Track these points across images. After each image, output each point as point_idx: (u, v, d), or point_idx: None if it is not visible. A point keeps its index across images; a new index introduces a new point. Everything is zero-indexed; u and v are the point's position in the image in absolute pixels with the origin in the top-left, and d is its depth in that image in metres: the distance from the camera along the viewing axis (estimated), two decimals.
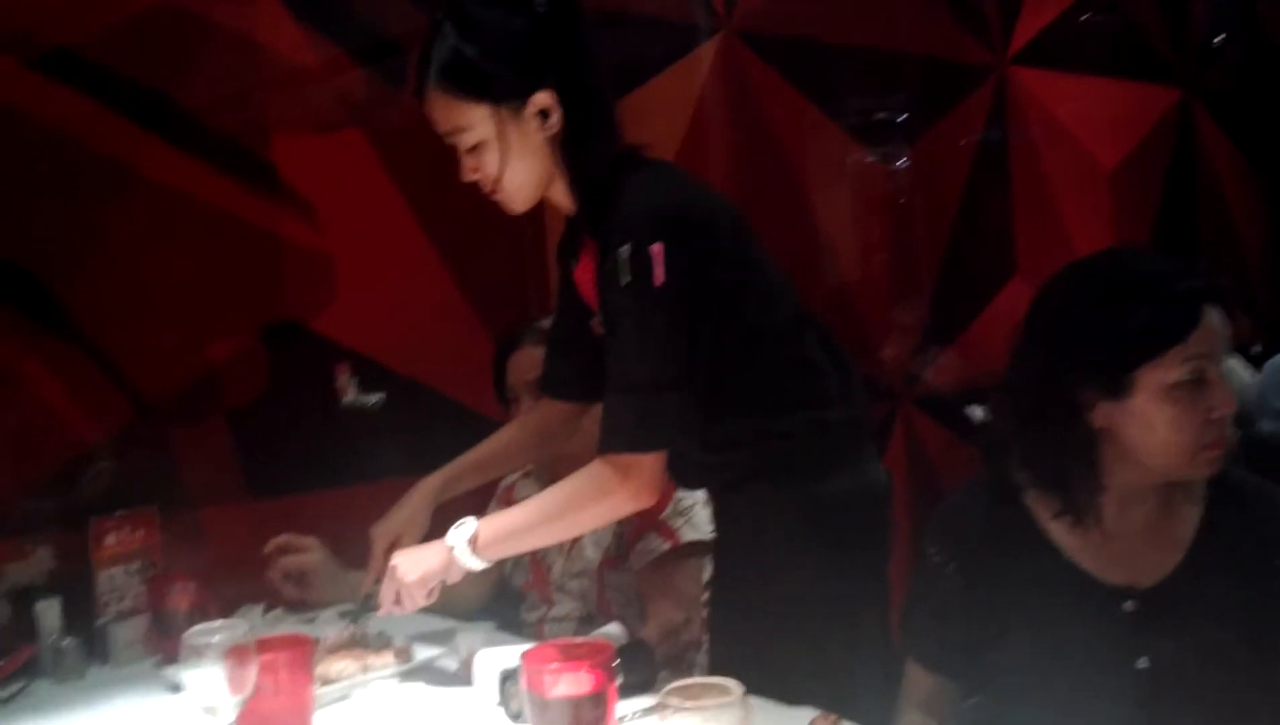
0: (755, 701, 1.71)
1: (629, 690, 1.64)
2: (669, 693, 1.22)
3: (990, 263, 4.20)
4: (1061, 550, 1.70)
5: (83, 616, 2.21)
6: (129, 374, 2.56)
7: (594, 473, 1.83)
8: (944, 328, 4.10)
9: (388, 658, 1.99)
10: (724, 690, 1.26)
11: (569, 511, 1.86)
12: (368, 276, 2.87)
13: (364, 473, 2.70)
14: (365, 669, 1.95)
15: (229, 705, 1.51)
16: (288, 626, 2.36)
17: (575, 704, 1.49)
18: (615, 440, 1.82)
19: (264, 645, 1.66)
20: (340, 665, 1.93)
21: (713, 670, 2.03)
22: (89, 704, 1.99)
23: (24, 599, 2.22)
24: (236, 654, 1.51)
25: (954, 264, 4.12)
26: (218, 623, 1.57)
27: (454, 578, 1.91)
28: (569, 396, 2.17)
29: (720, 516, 2.07)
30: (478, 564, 1.88)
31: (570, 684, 1.50)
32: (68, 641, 2.15)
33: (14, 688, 2.06)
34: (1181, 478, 1.66)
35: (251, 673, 1.52)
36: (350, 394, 2.98)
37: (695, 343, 1.81)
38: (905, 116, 4.12)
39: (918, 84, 4.08)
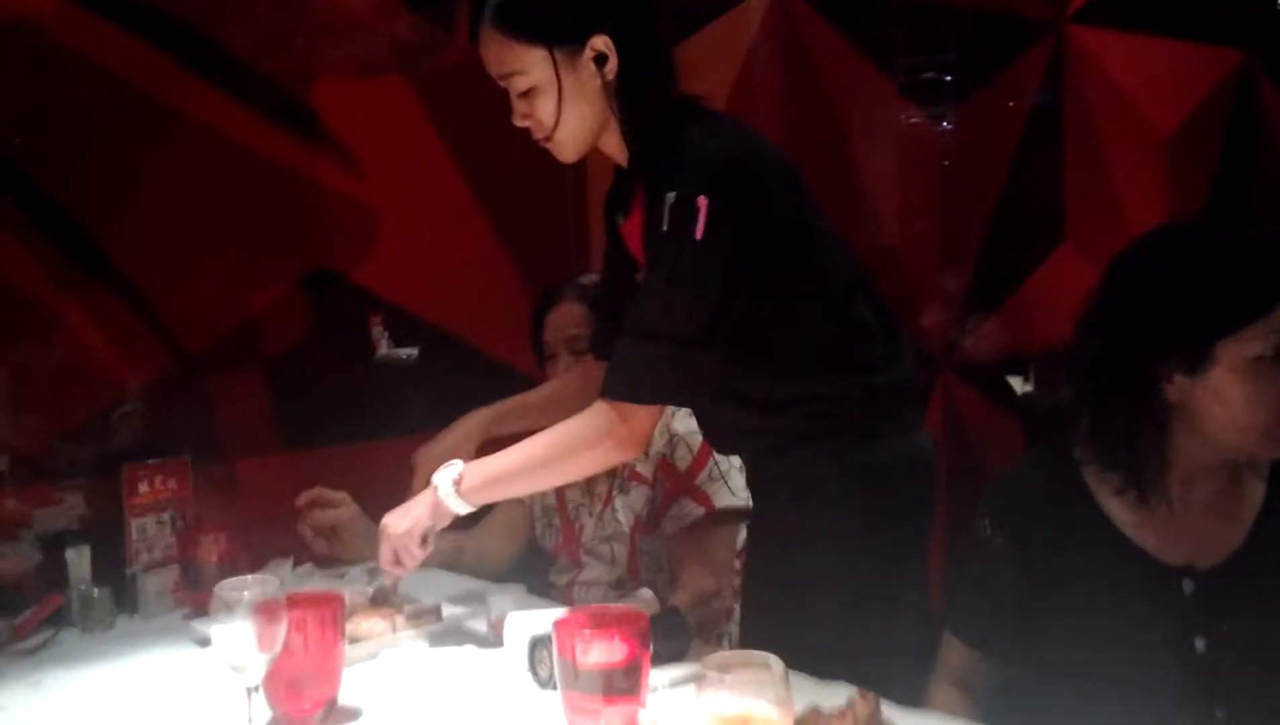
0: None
1: (660, 659, 1.61)
2: (706, 665, 1.18)
3: (1039, 229, 4.10)
4: (1121, 528, 1.65)
5: (113, 565, 2.20)
6: (168, 321, 2.54)
7: (591, 417, 1.80)
8: (988, 294, 4.02)
9: (417, 617, 1.96)
10: (763, 665, 1.21)
11: (559, 456, 1.82)
12: (408, 227, 2.83)
13: (398, 426, 2.67)
14: (394, 628, 1.93)
15: (257, 662, 1.49)
16: (317, 582, 2.35)
17: (607, 674, 1.46)
18: (619, 386, 1.78)
19: (293, 601, 1.64)
20: (369, 623, 1.91)
21: (744, 641, 2.00)
22: (117, 654, 1.98)
23: (55, 545, 2.21)
24: (266, 610, 1.49)
25: (1001, 229, 4.02)
26: (248, 577, 1.55)
27: (442, 522, 1.88)
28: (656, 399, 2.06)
29: (757, 483, 2.02)
30: (464, 507, 1.86)
31: (603, 653, 1.47)
32: (97, 590, 2.14)
33: (43, 636, 2.06)
34: (1253, 457, 1.61)
35: (281, 630, 1.51)
36: (383, 346, 2.95)
37: (734, 300, 1.76)
38: (958, 75, 4.01)
39: (973, 41, 3.96)
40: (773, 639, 1.82)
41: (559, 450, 1.82)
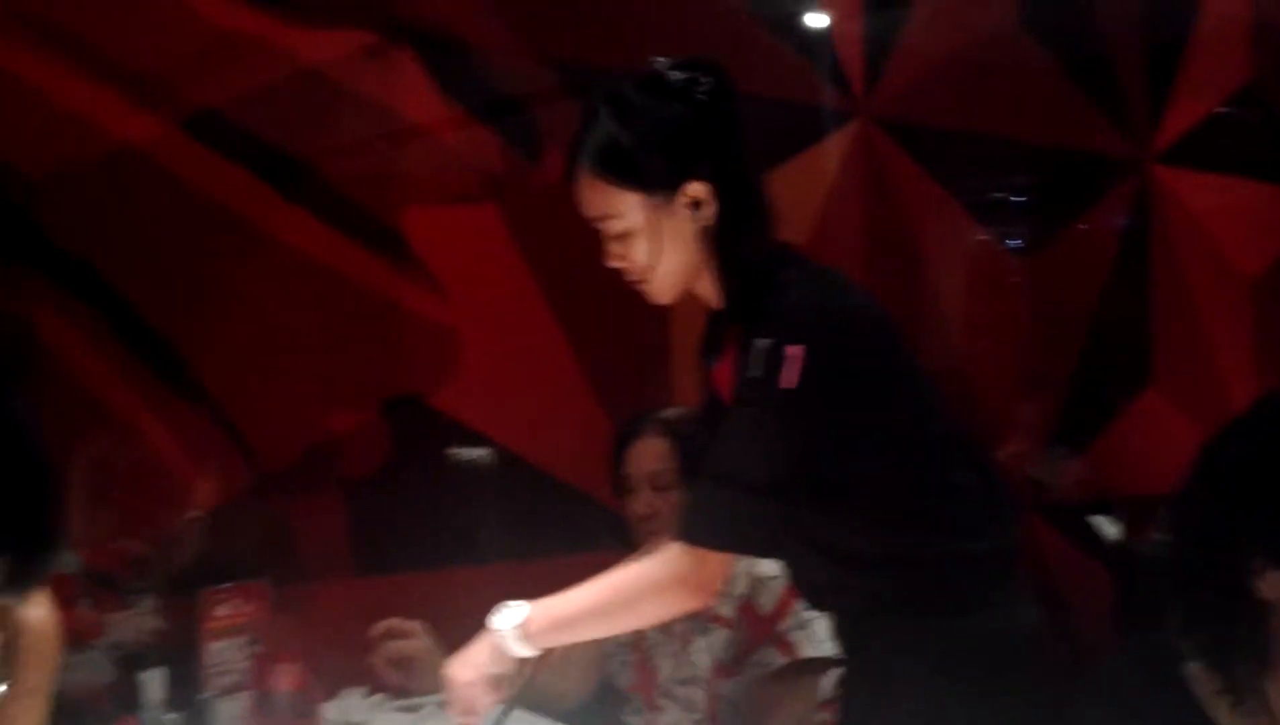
0: None
1: None
2: None
3: (1126, 367, 4.01)
4: None
5: (186, 688, 2.17)
6: (248, 437, 2.54)
7: (665, 560, 1.74)
8: (1072, 432, 3.92)
9: None
10: None
11: (628, 600, 1.77)
12: (492, 355, 2.83)
13: (475, 555, 2.64)
14: None
15: None
16: (389, 713, 2.31)
17: None
18: (695, 530, 1.73)
19: None
20: None
21: None
22: None
23: (128, 664, 2.19)
24: None
25: (1086, 367, 3.94)
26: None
27: (507, 668, 1.82)
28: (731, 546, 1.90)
29: (845, 638, 1.95)
30: (527, 651, 1.80)
31: None
32: (171, 716, 2.11)
33: None
34: None
35: None
36: (458, 465, 2.94)
37: (820, 452, 1.72)
38: (1042, 208, 3.98)
39: (1059, 176, 3.94)
40: None
41: (630, 594, 1.77)
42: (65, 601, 2.23)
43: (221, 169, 2.61)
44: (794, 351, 1.67)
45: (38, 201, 2.50)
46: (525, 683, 2.25)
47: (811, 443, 1.71)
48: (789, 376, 1.67)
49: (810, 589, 1.93)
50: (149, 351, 2.49)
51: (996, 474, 1.86)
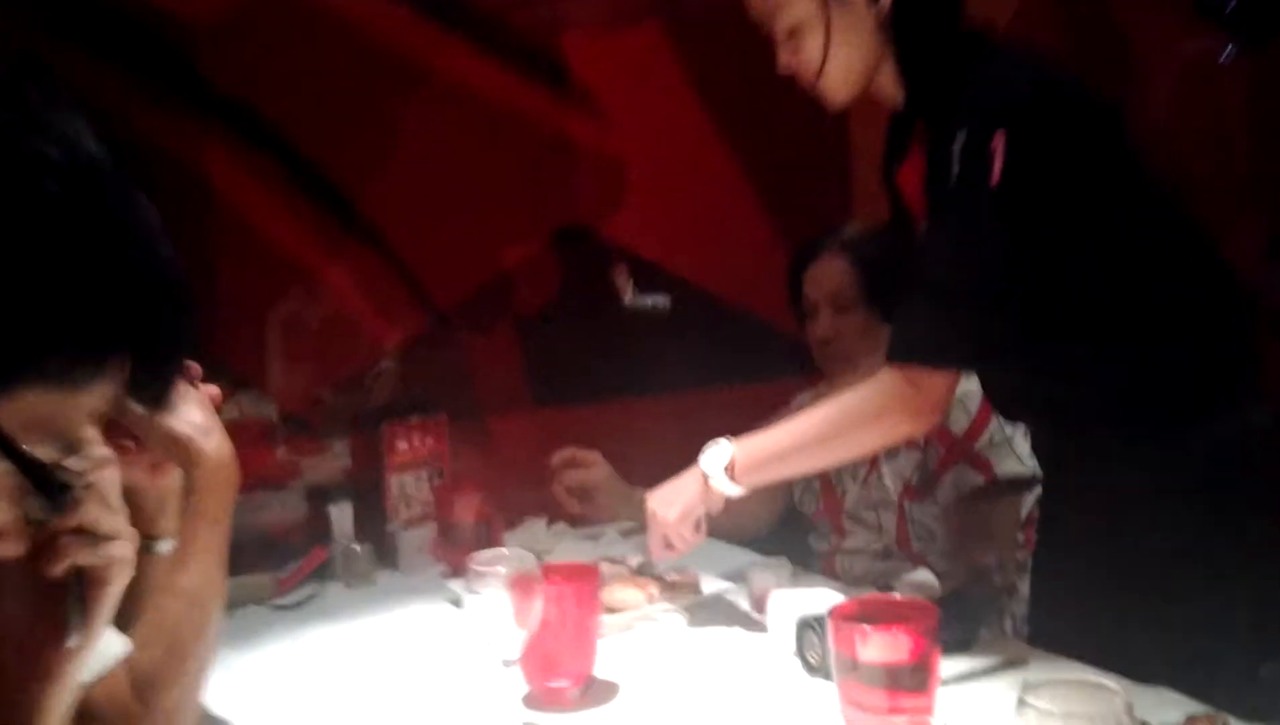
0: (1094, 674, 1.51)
1: (945, 649, 1.43)
2: (1030, 691, 1.01)
3: None
4: None
5: (372, 521, 2.20)
6: (422, 278, 2.52)
7: (878, 385, 1.63)
8: None
9: (674, 589, 1.86)
10: (1102, 692, 1.03)
11: (842, 430, 1.66)
12: (659, 180, 2.72)
13: (650, 385, 2.58)
14: (651, 600, 1.84)
15: (513, 637, 1.42)
16: (570, 541, 2.30)
17: (891, 672, 1.31)
18: (907, 350, 1.60)
19: (550, 574, 1.57)
20: (624, 593, 1.82)
21: (1034, 633, 1.81)
22: (376, 610, 1.97)
23: (319, 500, 2.23)
24: (522, 585, 1.42)
25: None
26: (503, 550, 1.48)
27: (715, 508, 1.75)
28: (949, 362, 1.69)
29: (1051, 454, 1.81)
30: (736, 491, 1.73)
31: (885, 648, 1.32)
32: (360, 546, 2.14)
33: (307, 590, 2.07)
34: None
35: (537, 605, 1.43)
36: (629, 295, 2.86)
37: (1035, 255, 1.55)
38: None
39: None
40: (1072, 630, 1.65)
41: (843, 424, 1.66)
42: (264, 445, 2.33)
43: (382, 5, 2.54)
44: (998, 143, 1.50)
45: (200, 48, 2.48)
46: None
47: (1027, 243, 1.54)
48: (995, 170, 1.51)
49: (1014, 402, 1.79)
50: (320, 196, 2.47)
51: (1227, 277, 1.65)
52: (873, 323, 2.21)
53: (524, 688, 1.55)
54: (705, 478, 1.73)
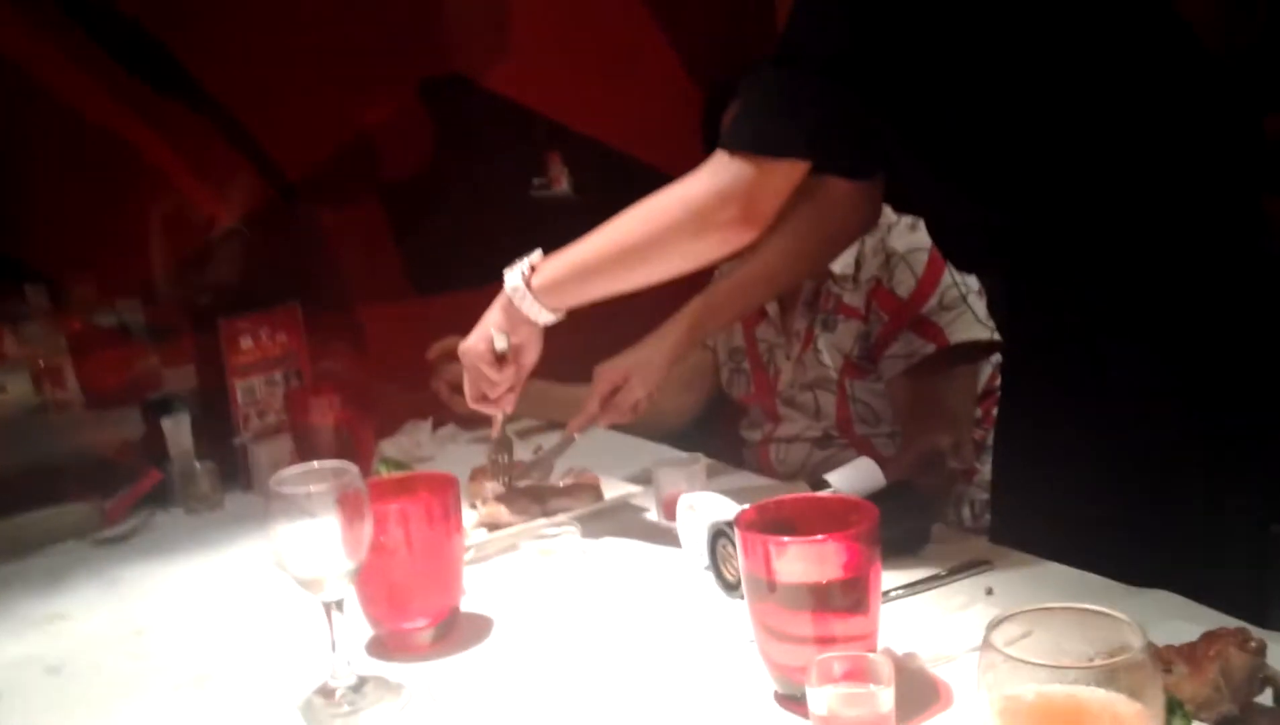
0: (1078, 577, 1.21)
1: (892, 550, 1.12)
2: (998, 627, 0.68)
3: None
4: None
5: (219, 435, 1.86)
6: (265, 146, 2.11)
7: (708, 175, 1.30)
8: None
9: (570, 495, 1.54)
10: (1103, 622, 0.70)
11: (661, 230, 1.33)
12: (546, 15, 2.31)
13: (545, 227, 2.22)
14: (543, 511, 1.52)
15: (335, 574, 1.09)
16: (459, 446, 1.97)
17: (817, 591, 0.99)
18: (742, 131, 1.28)
19: (383, 489, 1.25)
20: (499, 507, 1.49)
21: (997, 526, 1.50)
22: (213, 542, 1.64)
23: (154, 413, 1.88)
24: (347, 506, 1.09)
25: None
26: (315, 464, 1.13)
27: (520, 335, 1.45)
28: (790, 151, 1.36)
29: (1012, 313, 1.47)
30: (544, 314, 1.42)
31: (808, 561, 1.00)
32: (200, 464, 1.80)
33: (134, 521, 1.73)
34: None
35: (365, 530, 1.10)
36: (564, 185, 2.49)
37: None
38: None
39: None
40: (1041, 524, 1.34)
41: (660, 223, 1.33)
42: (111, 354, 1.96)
43: None
44: None
45: None
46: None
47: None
48: None
49: (962, 243, 1.44)
50: (142, 57, 2.04)
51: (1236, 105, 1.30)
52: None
53: (368, 631, 1.23)
54: (507, 294, 1.43)
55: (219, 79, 2.05)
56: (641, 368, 1.60)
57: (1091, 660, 0.68)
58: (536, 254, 1.43)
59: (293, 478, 1.10)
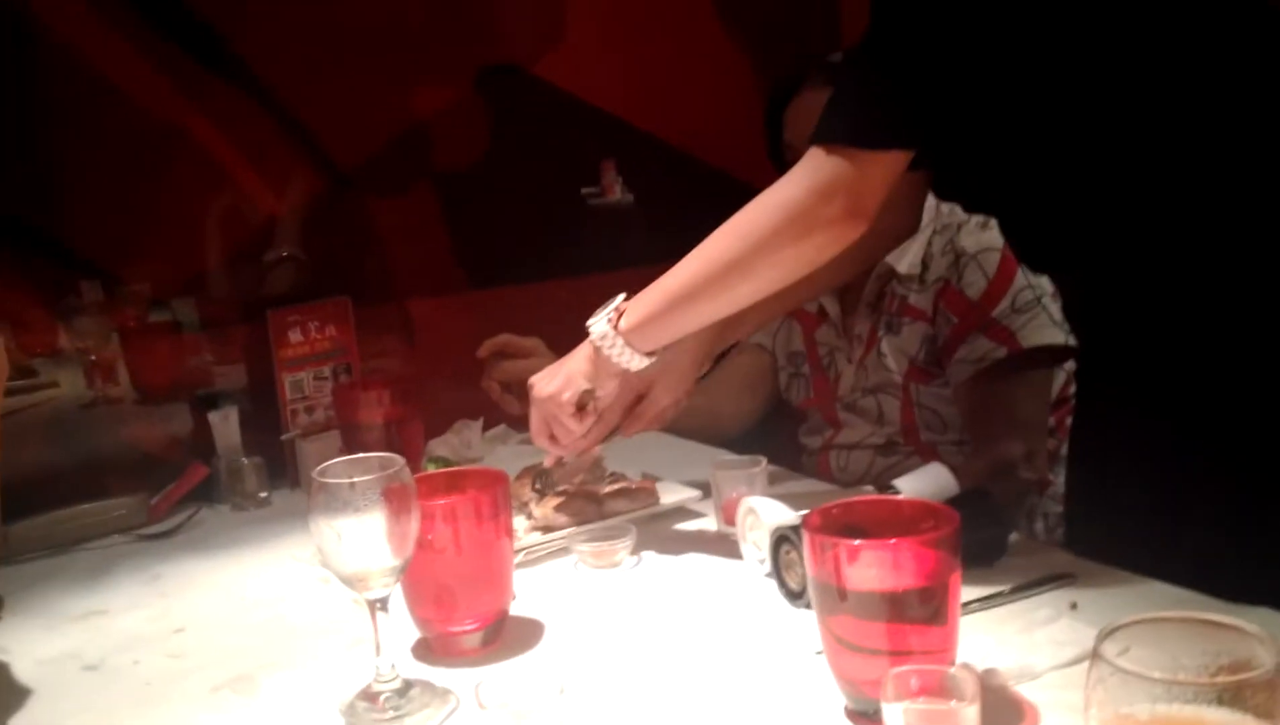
0: (1172, 593, 1.13)
1: (965, 560, 1.05)
2: (1110, 637, 0.62)
3: None
4: None
5: (267, 431, 1.82)
6: (318, 135, 2.07)
7: (798, 178, 1.21)
8: None
9: (624, 499, 1.48)
10: (1219, 634, 0.63)
11: (756, 243, 1.22)
12: (602, 10, 2.25)
13: (605, 259, 2.16)
14: (599, 514, 1.46)
15: (380, 570, 1.03)
16: (510, 448, 1.92)
17: (893, 600, 0.92)
18: (837, 127, 1.19)
19: (434, 485, 1.19)
20: (557, 509, 1.44)
21: (1072, 536, 1.42)
22: (264, 537, 1.59)
23: (201, 407, 1.85)
24: (393, 499, 1.03)
25: None
26: (362, 456, 1.09)
27: (605, 382, 1.36)
28: (894, 140, 1.28)
29: (1092, 314, 1.39)
30: (636, 360, 1.33)
31: (883, 567, 0.94)
32: (249, 460, 1.76)
33: (179, 517, 1.70)
34: None
35: (412, 525, 1.05)
36: (616, 194, 2.43)
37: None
38: None
39: None
40: (1120, 537, 1.27)
41: (759, 232, 1.22)
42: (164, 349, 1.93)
43: None
44: None
45: None
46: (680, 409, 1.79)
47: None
48: None
49: (1038, 242, 1.36)
50: (188, 37, 2.00)
51: None
52: None
53: (414, 634, 1.18)
54: (593, 341, 1.34)
55: (272, 66, 2.01)
56: (666, 373, 1.45)
57: (1214, 676, 0.61)
58: (620, 298, 1.33)
59: (337, 468, 1.05)
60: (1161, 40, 1.15)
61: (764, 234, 1.22)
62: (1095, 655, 0.60)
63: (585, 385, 1.35)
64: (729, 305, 1.29)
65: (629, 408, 1.54)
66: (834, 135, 1.19)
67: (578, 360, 1.36)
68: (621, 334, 1.31)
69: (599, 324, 1.33)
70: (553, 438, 1.41)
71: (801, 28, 2.36)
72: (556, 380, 1.37)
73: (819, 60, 1.91)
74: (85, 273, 1.95)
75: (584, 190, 2.36)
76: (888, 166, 1.19)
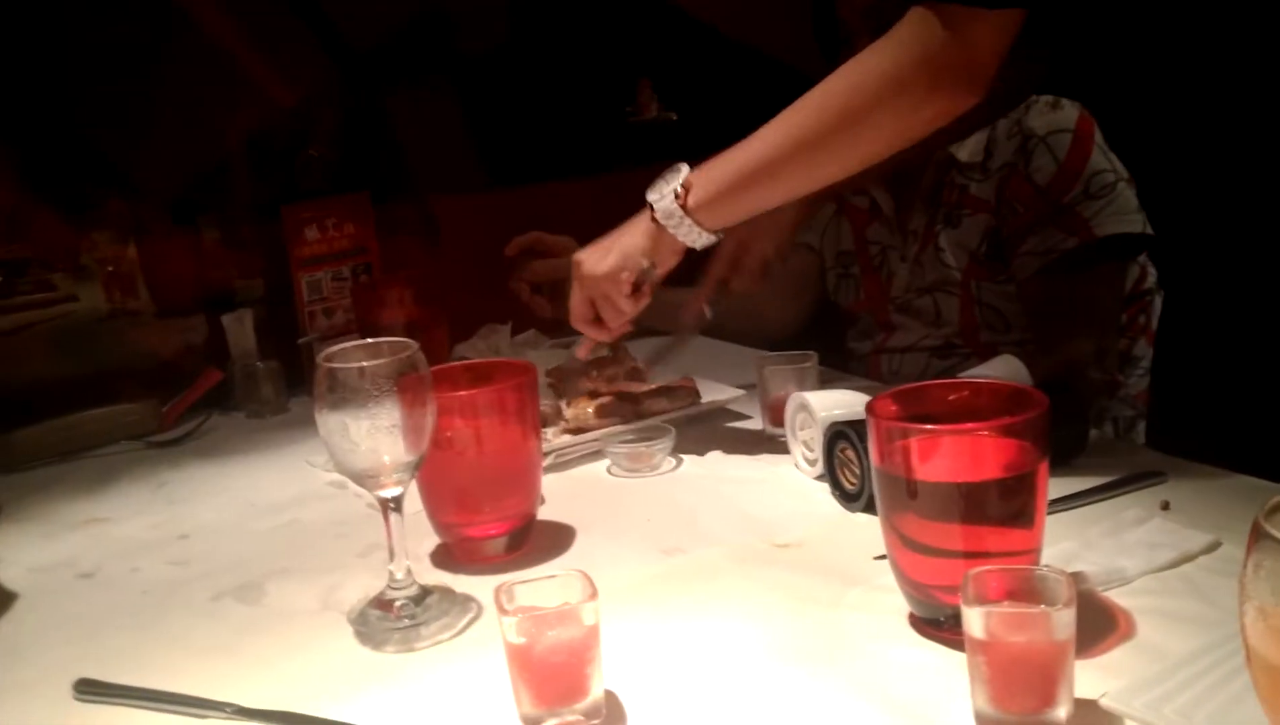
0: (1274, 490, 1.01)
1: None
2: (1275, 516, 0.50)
3: None
4: None
5: (285, 334, 1.72)
6: (331, 14, 1.93)
7: (899, 37, 1.08)
8: None
9: (662, 397, 1.37)
10: None
11: (856, 115, 1.10)
12: None
13: (639, 152, 2.02)
14: (635, 413, 1.35)
15: (392, 467, 0.93)
16: (540, 353, 1.80)
17: (969, 496, 0.81)
18: None
19: (453, 377, 1.08)
20: (585, 406, 1.33)
21: (1154, 441, 1.30)
22: (283, 444, 1.50)
23: (214, 310, 1.75)
24: (407, 389, 0.93)
25: None
26: (376, 341, 0.98)
27: (666, 260, 1.24)
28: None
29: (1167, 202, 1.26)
30: (702, 236, 1.21)
31: (961, 458, 0.82)
32: (264, 364, 1.67)
33: (191, 423, 1.61)
34: None
35: (427, 420, 0.94)
36: (654, 112, 2.29)
37: None
38: None
39: None
40: (1205, 440, 1.14)
41: (860, 105, 1.09)
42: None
43: None
44: None
45: None
46: (714, 306, 1.67)
47: None
48: None
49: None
50: None
51: None
52: None
53: (435, 540, 1.08)
54: (653, 215, 1.21)
55: None
56: (766, 219, 1.32)
57: None
58: (684, 171, 1.20)
59: (345, 353, 0.95)
60: None
61: (867, 108, 1.09)
62: (1258, 534, 0.49)
63: (645, 263, 1.24)
64: (810, 183, 1.16)
65: (733, 260, 1.42)
66: None
67: (635, 236, 1.24)
68: (690, 211, 1.19)
69: (665, 200, 1.20)
70: (597, 321, 1.29)
71: None
72: (611, 257, 1.25)
73: None
74: (104, 182, 1.85)
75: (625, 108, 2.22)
76: (1003, 27, 1.05)
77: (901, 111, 1.09)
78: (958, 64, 1.05)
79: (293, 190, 1.94)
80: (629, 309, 1.27)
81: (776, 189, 1.17)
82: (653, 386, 1.38)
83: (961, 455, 0.82)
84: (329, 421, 0.92)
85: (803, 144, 1.12)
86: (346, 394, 0.92)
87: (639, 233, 1.24)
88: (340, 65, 1.96)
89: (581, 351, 1.36)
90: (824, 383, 1.38)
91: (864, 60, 1.10)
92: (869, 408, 0.87)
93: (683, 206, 1.20)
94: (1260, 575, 0.48)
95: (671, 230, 1.21)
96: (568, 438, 1.32)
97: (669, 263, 1.26)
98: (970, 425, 0.82)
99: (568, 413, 1.33)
